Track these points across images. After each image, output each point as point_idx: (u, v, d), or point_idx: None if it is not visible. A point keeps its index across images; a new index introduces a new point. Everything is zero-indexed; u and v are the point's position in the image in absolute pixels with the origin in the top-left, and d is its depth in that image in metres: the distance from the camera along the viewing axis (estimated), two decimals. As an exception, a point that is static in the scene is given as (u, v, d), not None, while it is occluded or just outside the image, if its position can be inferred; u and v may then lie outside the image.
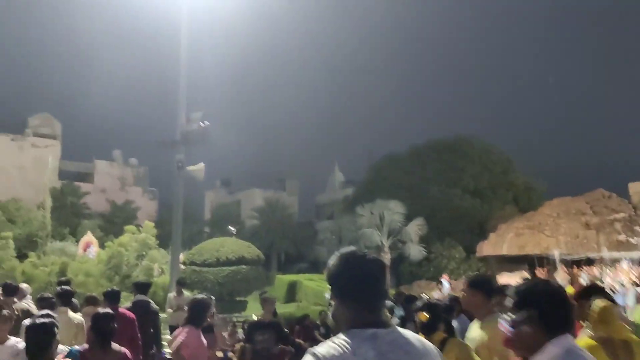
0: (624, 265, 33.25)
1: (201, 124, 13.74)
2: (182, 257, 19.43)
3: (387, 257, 36.68)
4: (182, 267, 17.26)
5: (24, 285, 8.21)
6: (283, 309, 22.70)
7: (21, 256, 25.41)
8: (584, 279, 34.46)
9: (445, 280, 26.57)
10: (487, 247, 36.71)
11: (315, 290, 23.85)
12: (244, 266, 18.15)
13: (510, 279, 35.79)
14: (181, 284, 11.68)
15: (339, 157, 62.67)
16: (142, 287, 9.02)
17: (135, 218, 43.07)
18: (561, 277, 34.38)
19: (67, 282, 9.51)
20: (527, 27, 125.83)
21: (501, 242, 36.08)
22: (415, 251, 36.65)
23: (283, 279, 25.15)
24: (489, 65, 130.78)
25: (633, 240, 32.97)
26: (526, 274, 35.46)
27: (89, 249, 28.70)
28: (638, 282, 30.33)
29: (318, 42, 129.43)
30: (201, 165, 14.25)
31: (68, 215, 39.09)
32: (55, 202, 41.10)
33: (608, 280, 33.21)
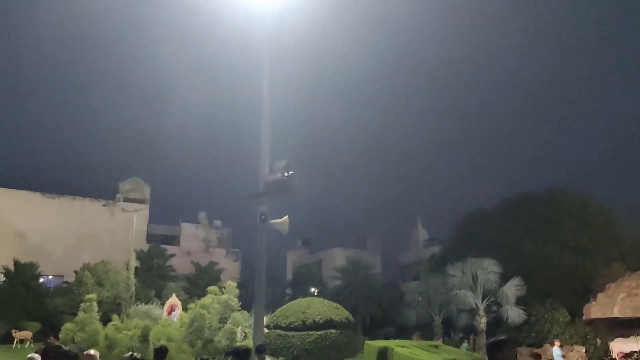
0: None
1: (285, 173, 12.56)
2: (265, 320, 18.13)
3: (482, 321, 33.78)
4: (266, 330, 15.84)
5: (91, 352, 7.04)
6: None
7: (107, 320, 24.95)
8: None
9: (557, 348, 23.54)
10: (595, 309, 33.03)
11: (408, 359, 21.58)
12: (332, 330, 16.40)
13: (625, 345, 31.96)
14: (260, 350, 10.20)
15: (422, 214, 60.41)
16: (242, 355, 7.50)
17: (218, 280, 42.61)
18: (682, 343, 30.46)
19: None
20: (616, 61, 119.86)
21: (611, 303, 32.39)
22: (514, 314, 33.46)
23: (372, 345, 22.90)
24: (580, 111, 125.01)
25: None
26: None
27: (173, 312, 28.03)
28: None
29: (399, 98, 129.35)
30: (285, 218, 13.02)
31: (154, 277, 39.05)
32: (143, 265, 41.58)
33: None
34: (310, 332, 15.96)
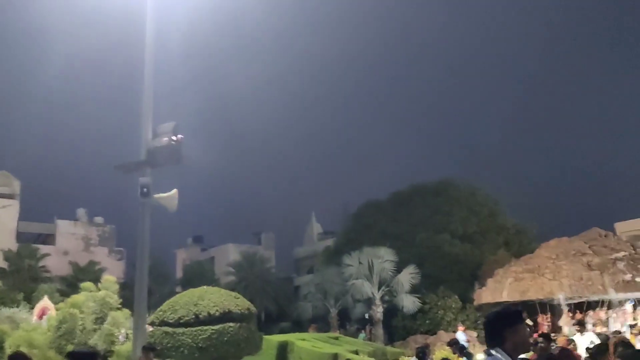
0: (628, 307, 30.64)
1: (173, 137, 10.24)
2: (150, 317, 15.58)
3: (379, 311, 32.99)
4: (150, 328, 13.25)
5: None
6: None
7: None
8: (590, 324, 31.58)
9: (462, 333, 22.88)
10: (486, 295, 33.38)
11: (310, 351, 19.94)
12: (231, 324, 13.58)
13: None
14: (150, 348, 7.91)
15: (315, 209, 59.55)
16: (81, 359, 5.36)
17: (99, 280, 38.54)
18: (565, 322, 31.44)
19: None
20: (511, 65, 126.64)
21: (500, 288, 32.85)
22: (409, 302, 33.03)
23: (271, 340, 21.08)
24: (464, 106, 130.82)
25: (639, 280, 30.42)
26: (529, 322, 32.32)
27: (44, 316, 24.39)
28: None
29: (293, 93, 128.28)
30: (174, 192, 10.68)
31: (24, 279, 34.45)
32: (11, 266, 36.74)
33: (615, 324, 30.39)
34: (205, 327, 13.24)
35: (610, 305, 31.16)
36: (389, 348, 27.76)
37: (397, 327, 34.39)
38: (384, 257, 33.12)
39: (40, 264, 37.56)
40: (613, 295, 30.04)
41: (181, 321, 13.27)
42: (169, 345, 12.79)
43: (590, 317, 31.72)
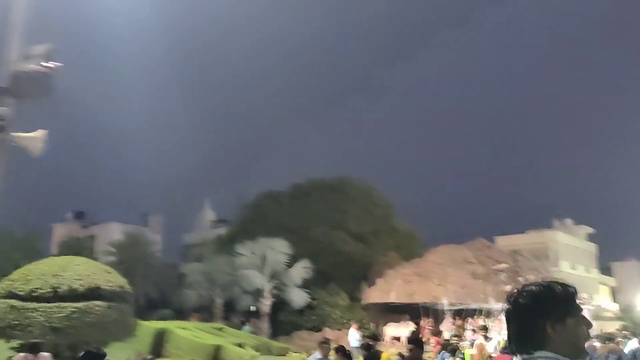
0: (502, 317, 31.37)
1: (45, 64, 7.96)
2: None
3: (267, 303, 31.38)
4: None
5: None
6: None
7: None
8: (469, 331, 32.06)
9: (355, 331, 21.75)
10: (374, 294, 32.96)
11: (190, 341, 17.90)
12: (98, 302, 11.01)
13: (397, 329, 32.27)
14: None
15: (210, 195, 56.86)
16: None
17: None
18: (447, 327, 31.70)
19: None
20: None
21: (389, 289, 32.54)
22: (298, 297, 31.76)
23: (148, 327, 18.75)
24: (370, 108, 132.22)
25: (517, 291, 31.27)
26: (412, 325, 32.28)
27: None
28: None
29: (199, 74, 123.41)
30: (40, 132, 8.37)
31: None
32: None
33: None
34: (63, 305, 10.62)
35: (488, 314, 31.81)
36: (273, 342, 26.26)
37: (283, 321, 32.99)
38: (278, 249, 31.65)
39: None
40: (493, 305, 30.56)
41: (34, 294, 10.25)
42: (14, 322, 9.97)
43: (469, 324, 32.16)
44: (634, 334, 25.50)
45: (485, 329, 24.38)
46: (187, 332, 19.07)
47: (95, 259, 39.19)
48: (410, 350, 6.96)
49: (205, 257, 41.16)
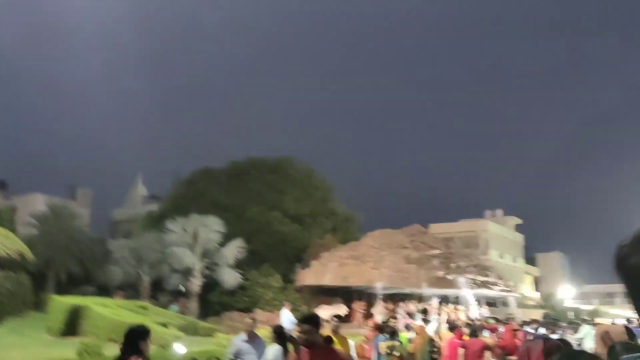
0: (434, 302, 31.62)
1: None
2: None
3: (197, 283, 30.03)
4: None
5: None
6: (58, 346, 14.82)
7: None
8: (400, 315, 32.00)
9: (287, 310, 20.87)
10: (309, 277, 32.23)
11: (108, 319, 16.43)
12: None
13: (329, 311, 31.73)
14: None
15: (142, 170, 54.26)
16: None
17: None
18: (379, 311, 31.50)
19: None
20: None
21: (324, 271, 31.89)
22: (231, 277, 30.61)
23: (61, 302, 17.01)
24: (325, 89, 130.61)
25: (449, 277, 31.42)
26: (345, 307, 31.85)
27: None
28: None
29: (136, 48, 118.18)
30: None
31: None
32: None
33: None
34: None
35: (420, 299, 31.86)
36: (201, 323, 25.01)
37: (213, 302, 31.74)
38: (211, 227, 30.31)
39: None
40: (425, 290, 30.55)
41: None
42: None
43: (401, 308, 32.09)
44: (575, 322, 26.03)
45: (425, 311, 24.14)
46: (106, 310, 17.56)
47: (15, 231, 36.50)
48: (306, 331, 4.57)
49: (135, 234, 39.20)
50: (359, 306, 32.21)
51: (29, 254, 10.10)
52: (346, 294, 32.39)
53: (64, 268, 34.98)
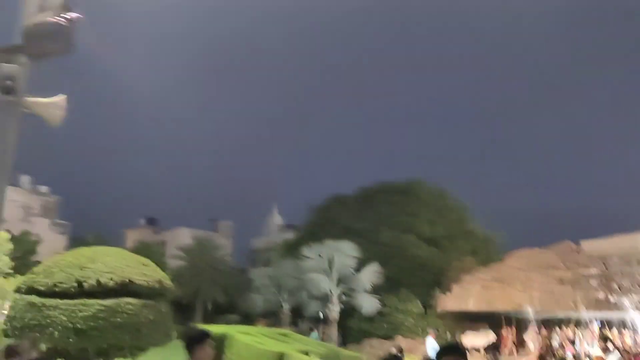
0: (594, 327, 28.23)
1: (63, 15, 6.52)
2: (15, 281, 11.90)
3: (335, 309, 29.61)
4: (16, 296, 9.26)
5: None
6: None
7: None
8: (556, 341, 29.04)
9: (432, 338, 19.62)
10: (450, 302, 30.41)
11: (252, 348, 16.44)
12: (130, 300, 8.98)
13: (476, 338, 29.64)
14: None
15: (278, 200, 55.94)
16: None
17: (34, 252, 34.37)
18: (532, 337, 28.83)
19: None
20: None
21: (466, 295, 29.92)
22: (369, 303, 29.77)
23: (207, 331, 17.55)
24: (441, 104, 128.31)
25: (612, 299, 27.91)
26: (492, 334, 29.56)
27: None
28: (619, 346, 24.99)
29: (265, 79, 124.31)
30: (59, 98, 6.93)
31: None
32: None
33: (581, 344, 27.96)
34: (89, 302, 8.75)
35: (577, 324, 28.76)
36: (343, 350, 24.35)
37: (352, 328, 31.09)
38: (346, 252, 29.84)
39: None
40: (584, 313, 27.42)
41: (57, 290, 8.71)
42: (32, 322, 8.35)
43: (557, 335, 29.20)
44: None
45: (605, 339, 21.52)
46: (249, 338, 17.63)
47: (164, 263, 39.01)
48: None
49: (273, 262, 40.07)
50: (508, 332, 29.78)
51: (167, 281, 10.11)
52: (492, 319, 30.10)
53: (209, 297, 36.63)
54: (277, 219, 51.90)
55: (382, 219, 36.39)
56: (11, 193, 41.60)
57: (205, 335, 4.21)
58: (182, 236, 45.83)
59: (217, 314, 36.76)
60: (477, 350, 28.44)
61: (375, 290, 30.88)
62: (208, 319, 34.08)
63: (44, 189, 45.07)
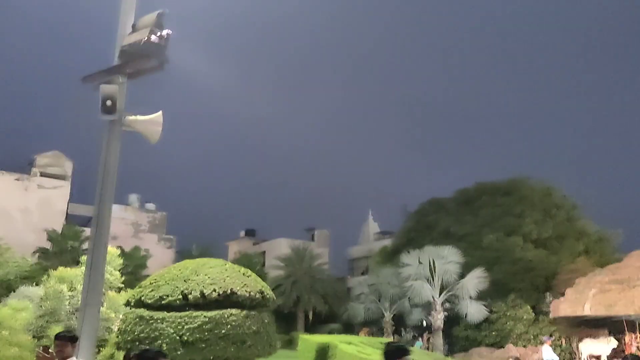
0: None
1: (158, 33, 6.67)
2: (124, 295, 12.40)
3: (439, 317, 28.68)
4: (127, 310, 9.59)
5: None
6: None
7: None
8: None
9: (548, 346, 18.46)
10: (564, 306, 28.42)
11: (356, 358, 16.18)
12: (233, 311, 9.00)
13: (596, 346, 27.54)
14: (68, 338, 4.47)
15: (372, 207, 55.43)
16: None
17: (144, 267, 36.37)
18: (657, 345, 26.27)
19: None
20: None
21: (582, 300, 27.82)
22: (475, 310, 28.60)
23: (310, 341, 17.47)
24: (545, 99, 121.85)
25: None
26: (614, 341, 27.28)
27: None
28: None
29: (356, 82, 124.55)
30: (157, 114, 7.10)
31: (66, 261, 32.31)
32: (55, 247, 35.02)
33: None
34: (195, 314, 8.90)
35: None
36: (450, 360, 23.53)
37: (458, 337, 29.96)
38: (447, 258, 28.90)
39: (84, 246, 35.52)
40: None
41: (163, 302, 9.09)
42: (141, 335, 8.49)
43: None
44: None
45: None
46: (352, 348, 17.41)
47: (265, 273, 39.90)
48: None
49: (371, 270, 39.69)
50: (632, 339, 27.38)
51: (268, 291, 10.11)
52: (612, 325, 27.84)
53: (310, 306, 36.87)
54: (372, 226, 51.47)
55: (484, 221, 34.92)
56: (122, 212, 44.52)
57: (404, 351, 4.04)
58: (280, 246, 46.68)
59: (318, 323, 36.91)
60: (598, 358, 26.39)
61: (482, 296, 29.62)
62: (309, 329, 34.27)
63: (150, 206, 47.73)
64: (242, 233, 55.80)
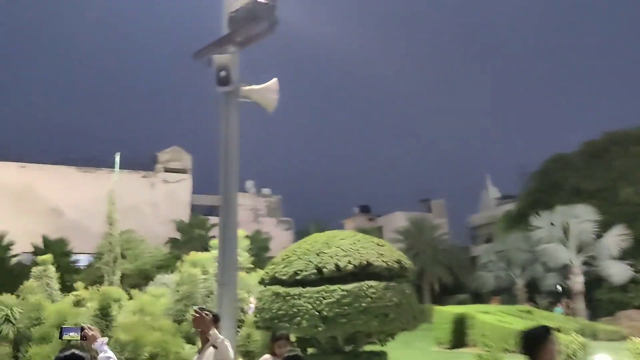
0: None
1: None
2: (259, 273, 12.30)
3: (578, 281, 26.62)
4: (262, 289, 9.34)
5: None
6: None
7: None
8: None
9: None
10: None
11: (498, 328, 15.23)
12: (371, 283, 8.38)
13: None
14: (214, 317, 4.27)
15: (489, 171, 52.62)
16: None
17: (267, 249, 37.38)
18: None
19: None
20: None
21: None
22: (618, 270, 26.19)
23: (444, 313, 16.71)
24: None
25: None
26: None
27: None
28: None
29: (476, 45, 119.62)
30: (272, 82, 6.71)
31: (195, 248, 33.94)
32: (184, 236, 36.96)
33: None
34: (331, 287, 8.39)
35: None
36: (598, 325, 21.61)
37: (601, 300, 27.67)
38: (582, 217, 26.63)
39: (210, 234, 37.14)
40: None
41: (297, 277, 8.68)
42: (280, 312, 8.41)
43: None
44: None
45: None
46: (490, 317, 16.48)
47: (384, 248, 39.48)
48: None
49: (497, 237, 37.81)
50: None
51: (406, 260, 9.50)
52: None
53: (435, 277, 35.92)
54: (492, 191, 49.10)
55: (618, 174, 31.87)
56: (241, 198, 45.89)
57: (546, 332, 3.40)
58: (397, 220, 45.94)
59: (445, 294, 35.88)
60: None
61: (624, 256, 27.06)
62: (436, 300, 33.35)
63: (266, 191, 48.94)
64: (356, 210, 55.69)
